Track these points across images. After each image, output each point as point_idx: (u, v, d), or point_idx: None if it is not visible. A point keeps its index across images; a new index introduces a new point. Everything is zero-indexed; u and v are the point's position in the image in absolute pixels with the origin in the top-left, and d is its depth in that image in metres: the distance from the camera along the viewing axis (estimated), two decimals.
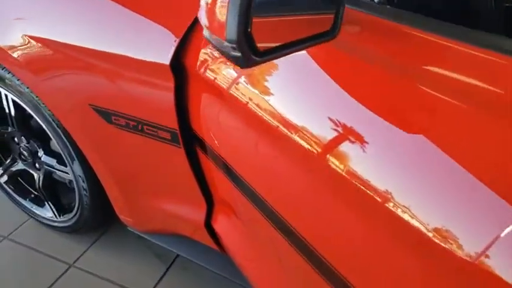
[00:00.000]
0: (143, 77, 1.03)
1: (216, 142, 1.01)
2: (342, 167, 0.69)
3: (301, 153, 0.79)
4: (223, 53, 0.60)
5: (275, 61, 0.75)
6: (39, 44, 1.16)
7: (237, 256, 1.18)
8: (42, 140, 1.57)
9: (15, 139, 1.63)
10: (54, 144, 1.55)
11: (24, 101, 1.38)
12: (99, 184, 1.43)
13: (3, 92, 1.43)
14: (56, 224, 1.72)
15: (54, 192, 1.70)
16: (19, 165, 1.72)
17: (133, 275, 1.64)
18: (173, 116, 1.04)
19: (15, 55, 1.21)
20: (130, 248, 1.76)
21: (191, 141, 1.11)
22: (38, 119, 1.39)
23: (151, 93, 1.04)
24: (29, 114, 1.50)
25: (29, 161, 1.65)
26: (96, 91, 1.14)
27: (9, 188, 1.80)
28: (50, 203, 1.67)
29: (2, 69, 1.36)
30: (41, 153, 1.58)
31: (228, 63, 0.91)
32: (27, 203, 1.77)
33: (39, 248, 1.75)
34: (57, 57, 1.16)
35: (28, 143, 1.58)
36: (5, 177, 1.76)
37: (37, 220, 1.80)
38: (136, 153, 1.20)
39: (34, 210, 1.76)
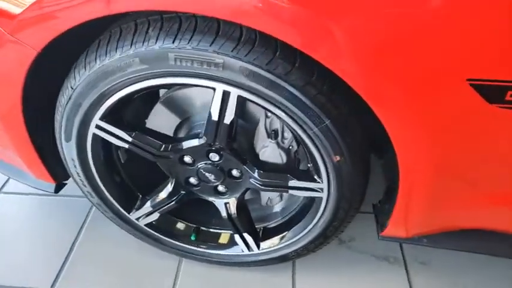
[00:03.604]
0: None
1: None
2: None
3: None
4: None
5: None
6: None
7: None
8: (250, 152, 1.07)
9: (186, 159, 1.07)
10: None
11: (266, 96, 0.84)
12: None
13: (222, 88, 0.85)
14: (250, 258, 1.22)
15: (249, 218, 1.19)
16: (184, 194, 1.15)
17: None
18: None
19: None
20: (344, 260, 1.34)
21: None
22: (290, 121, 0.86)
23: None
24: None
25: (210, 184, 1.10)
26: (492, 54, 0.69)
27: (155, 230, 1.24)
28: (245, 234, 1.17)
29: (232, 54, 0.78)
30: (239, 171, 1.04)
31: None
32: (194, 244, 1.25)
33: None
34: None
35: (220, 159, 1.04)
36: (155, 216, 1.19)
37: (206, 260, 1.29)
38: None
39: (204, 250, 1.25)
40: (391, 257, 1.36)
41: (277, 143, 1.03)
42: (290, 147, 1.05)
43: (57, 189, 1.27)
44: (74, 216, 1.52)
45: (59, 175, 1.24)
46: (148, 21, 0.83)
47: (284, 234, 1.17)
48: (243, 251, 1.22)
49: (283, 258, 1.21)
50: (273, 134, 1.02)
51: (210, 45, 0.79)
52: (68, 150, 1.06)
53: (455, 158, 0.85)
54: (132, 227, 1.24)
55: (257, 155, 1.06)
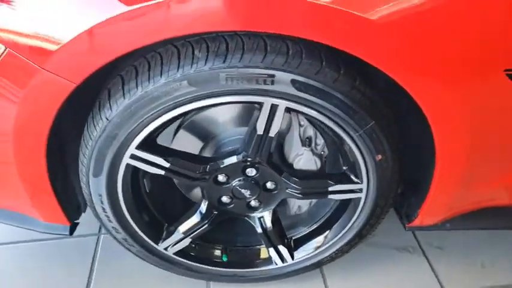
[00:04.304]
0: None
1: None
2: None
3: None
4: None
5: None
6: None
7: None
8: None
9: (220, 178, 1.04)
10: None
11: (313, 105, 0.86)
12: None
13: (270, 102, 0.85)
14: (286, 269, 1.21)
15: (282, 229, 1.19)
16: (217, 215, 1.13)
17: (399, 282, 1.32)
18: None
19: None
20: (369, 257, 1.38)
21: None
22: (334, 126, 0.90)
23: None
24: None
25: (244, 200, 1.09)
26: None
27: (185, 257, 1.19)
28: (279, 246, 1.16)
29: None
30: (274, 183, 1.05)
31: None
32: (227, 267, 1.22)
33: None
34: None
35: (257, 173, 1.03)
36: (185, 243, 1.15)
37: (237, 280, 1.26)
38: None
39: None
40: (409, 247, 1.43)
41: (312, 150, 1.06)
42: (322, 152, 1.08)
43: (71, 230, 1.19)
44: (79, 259, 1.41)
45: (71, 215, 1.17)
46: (191, 44, 0.83)
47: (323, 236, 1.18)
48: (277, 264, 1.22)
49: (317, 265, 1.23)
50: (307, 142, 1.05)
51: (262, 62, 0.80)
52: (96, 186, 0.99)
53: (491, 141, 0.94)
54: (160, 258, 1.18)
55: (291, 165, 1.08)
